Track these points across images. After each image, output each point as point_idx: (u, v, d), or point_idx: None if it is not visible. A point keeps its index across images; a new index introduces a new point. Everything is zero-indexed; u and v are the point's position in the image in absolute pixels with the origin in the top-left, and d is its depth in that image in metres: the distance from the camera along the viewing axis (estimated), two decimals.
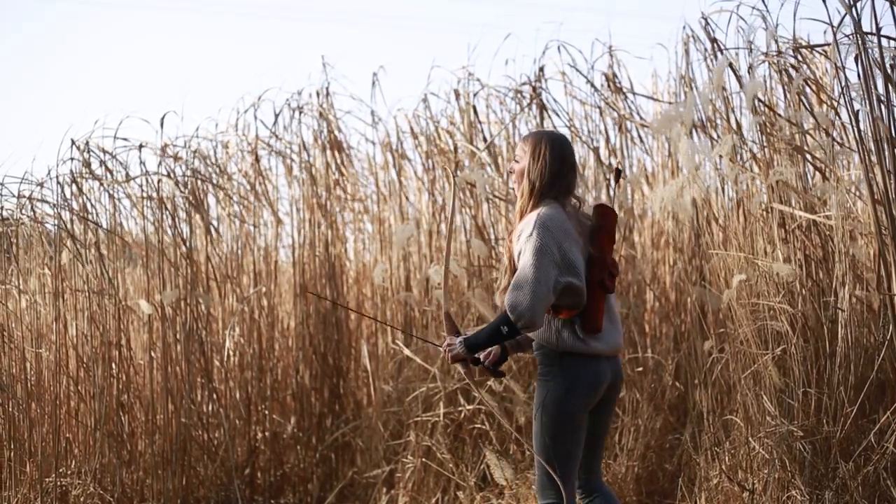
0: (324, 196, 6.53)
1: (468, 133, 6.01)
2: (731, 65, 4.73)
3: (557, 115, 5.95)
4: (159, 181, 5.69)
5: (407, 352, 5.61)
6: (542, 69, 5.98)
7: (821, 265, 4.48)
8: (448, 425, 5.38)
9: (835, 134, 4.52)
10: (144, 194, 5.69)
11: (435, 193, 6.20)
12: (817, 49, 4.64)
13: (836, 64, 4.25)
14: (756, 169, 4.71)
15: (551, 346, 3.34)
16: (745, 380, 4.43)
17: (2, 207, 5.24)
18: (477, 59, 10.61)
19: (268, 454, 6.23)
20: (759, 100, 4.60)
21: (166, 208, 5.67)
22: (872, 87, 4.02)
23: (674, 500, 4.82)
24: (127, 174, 5.66)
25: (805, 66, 4.68)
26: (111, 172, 5.62)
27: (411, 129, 6.33)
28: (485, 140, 6.01)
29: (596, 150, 5.95)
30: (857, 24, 4.03)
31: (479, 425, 5.34)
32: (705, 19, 4.91)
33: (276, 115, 6.56)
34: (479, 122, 6.08)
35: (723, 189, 5.03)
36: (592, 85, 6.04)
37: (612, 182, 3.79)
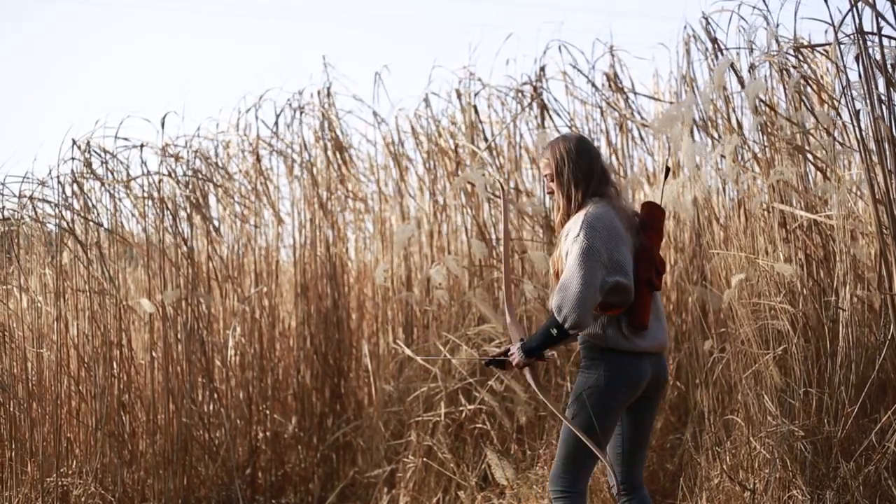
0: (325, 196, 6.53)
1: (469, 133, 6.01)
2: (732, 65, 4.73)
3: (558, 114, 5.95)
4: (160, 181, 5.69)
5: (408, 351, 5.61)
6: (543, 69, 5.98)
7: (822, 265, 4.48)
8: (449, 425, 5.38)
9: (836, 134, 4.52)
10: (145, 194, 5.69)
11: (436, 193, 6.20)
12: (818, 49, 4.64)
13: (837, 64, 4.25)
14: (757, 168, 4.71)
15: (597, 340, 3.36)
16: (746, 379, 4.43)
17: (3, 207, 5.24)
18: (478, 59, 10.61)
19: (269, 454, 6.23)
20: (761, 99, 4.60)
21: (167, 208, 5.67)
22: (873, 86, 4.02)
23: (675, 500, 4.81)
24: (128, 174, 5.66)
25: (805, 66, 4.68)
26: (112, 172, 5.62)
27: (412, 128, 6.34)
28: (485, 140, 6.01)
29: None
30: (859, 23, 4.03)
31: (480, 425, 5.34)
32: (706, 19, 4.91)
33: (278, 115, 6.57)
34: (481, 122, 6.08)
35: (724, 189, 5.03)
36: (593, 85, 6.05)
37: (663, 178, 3.80)
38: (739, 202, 4.71)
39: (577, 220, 3.34)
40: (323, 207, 6.50)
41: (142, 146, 5.66)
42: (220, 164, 6.51)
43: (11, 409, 4.93)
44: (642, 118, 6.04)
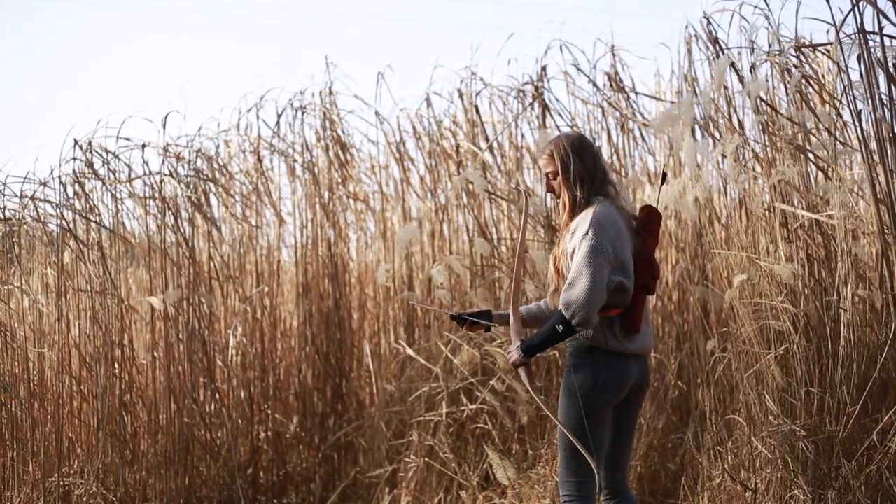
0: (326, 196, 6.53)
1: (471, 133, 6.01)
2: (733, 64, 4.73)
3: (560, 114, 5.95)
4: (162, 181, 5.69)
5: (409, 351, 5.61)
6: (544, 69, 5.97)
7: (823, 264, 4.47)
8: (451, 425, 5.38)
9: (837, 133, 4.52)
10: (147, 194, 5.69)
11: (438, 193, 6.20)
12: (820, 48, 4.64)
13: (838, 63, 4.25)
14: (758, 168, 4.71)
15: (588, 340, 3.36)
16: (747, 379, 4.42)
17: (4, 207, 5.24)
18: (480, 59, 10.60)
19: (270, 454, 6.23)
20: (762, 99, 4.60)
21: (169, 208, 5.67)
22: (875, 86, 4.02)
23: (676, 500, 4.81)
24: (130, 174, 5.67)
25: (807, 65, 4.68)
26: (114, 172, 5.62)
27: (414, 128, 6.34)
28: (486, 139, 6.01)
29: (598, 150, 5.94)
30: (860, 23, 4.03)
31: (481, 425, 5.34)
32: (707, 19, 4.90)
33: (279, 115, 6.57)
34: (482, 122, 6.08)
35: (725, 188, 5.03)
36: (595, 84, 6.04)
37: (659, 185, 3.80)
38: (741, 202, 4.71)
39: (586, 218, 3.33)
40: (324, 207, 6.51)
41: (143, 146, 5.67)
42: (221, 164, 6.51)
43: (13, 408, 4.93)
44: (644, 118, 6.04)
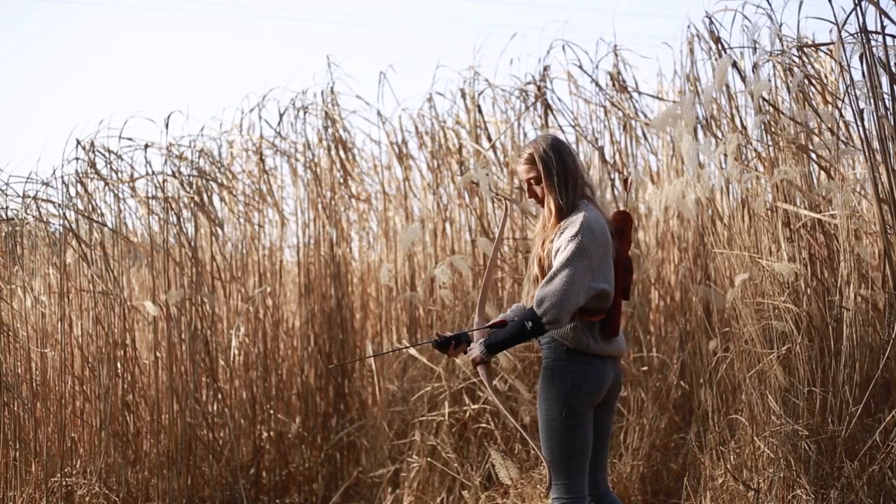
0: (329, 195, 6.54)
1: (473, 132, 6.01)
2: (735, 64, 4.73)
3: (562, 114, 5.95)
4: (164, 181, 5.70)
5: (412, 351, 5.61)
6: (547, 69, 5.98)
7: (825, 264, 4.47)
8: (453, 425, 5.38)
9: (839, 133, 4.52)
10: (149, 194, 5.70)
11: (440, 192, 6.20)
12: (822, 48, 4.63)
13: (840, 63, 4.24)
14: (760, 168, 4.71)
15: (566, 341, 3.34)
16: (749, 379, 4.42)
17: (7, 207, 5.25)
18: (482, 59, 10.62)
19: (273, 454, 6.23)
20: (764, 99, 4.59)
21: (171, 208, 5.68)
22: (877, 85, 4.02)
23: (679, 500, 4.81)
24: (132, 174, 5.67)
25: (809, 65, 4.67)
26: (116, 172, 5.63)
27: (416, 128, 6.34)
28: (489, 139, 6.01)
29: (601, 150, 5.95)
30: (862, 22, 4.02)
31: (484, 425, 5.34)
32: (710, 18, 4.90)
33: (281, 115, 6.58)
34: (485, 122, 6.08)
35: (727, 188, 5.03)
36: (597, 84, 6.04)
37: (621, 189, 3.81)
38: (743, 201, 4.71)
39: (576, 221, 3.31)
40: (327, 207, 6.51)
41: (146, 146, 5.67)
42: (223, 164, 6.52)
43: (16, 408, 4.94)
44: (646, 117, 6.04)
